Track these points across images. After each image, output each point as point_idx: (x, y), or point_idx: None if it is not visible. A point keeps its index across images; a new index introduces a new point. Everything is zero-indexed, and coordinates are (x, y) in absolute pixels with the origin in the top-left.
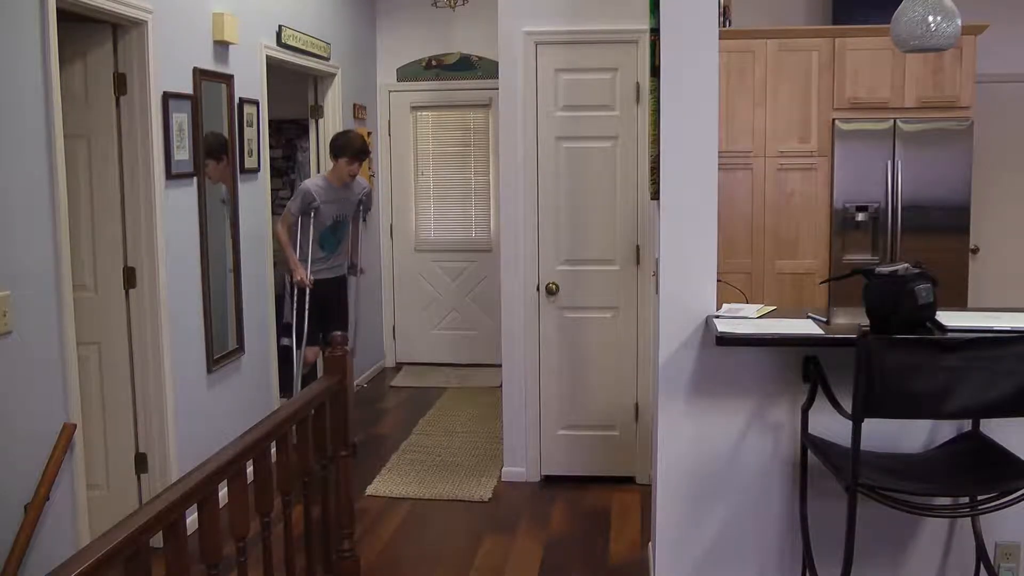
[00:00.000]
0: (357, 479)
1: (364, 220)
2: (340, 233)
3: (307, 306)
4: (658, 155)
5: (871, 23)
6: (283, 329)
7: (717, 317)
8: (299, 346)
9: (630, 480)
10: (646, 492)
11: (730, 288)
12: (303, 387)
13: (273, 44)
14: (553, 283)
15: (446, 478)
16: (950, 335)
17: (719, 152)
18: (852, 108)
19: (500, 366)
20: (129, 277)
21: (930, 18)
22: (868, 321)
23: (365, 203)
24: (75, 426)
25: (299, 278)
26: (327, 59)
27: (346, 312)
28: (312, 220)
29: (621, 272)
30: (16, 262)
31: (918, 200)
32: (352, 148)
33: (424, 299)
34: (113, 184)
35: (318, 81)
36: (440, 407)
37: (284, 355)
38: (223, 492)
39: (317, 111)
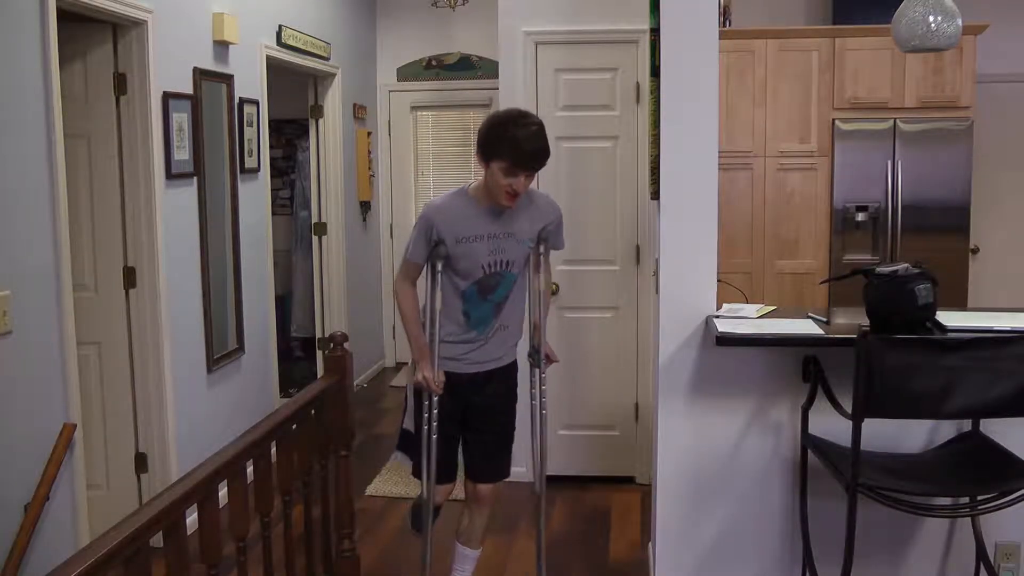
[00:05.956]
0: (357, 479)
1: (543, 262)
2: (498, 294)
3: (435, 418)
4: (658, 155)
5: (871, 23)
6: (400, 438)
7: (717, 317)
8: (416, 472)
9: (630, 480)
10: (646, 492)
11: (730, 288)
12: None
13: (273, 44)
14: (553, 283)
15: None
16: (950, 335)
17: (719, 152)
18: (852, 108)
19: None
20: (129, 277)
21: (930, 18)
22: (868, 321)
23: (552, 239)
24: (75, 426)
25: (419, 377)
26: (327, 59)
27: (510, 431)
28: (442, 271)
29: (621, 272)
30: (16, 262)
31: (918, 200)
32: (518, 150)
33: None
34: (113, 184)
35: (318, 81)
36: None
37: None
38: (223, 492)
39: (317, 111)
